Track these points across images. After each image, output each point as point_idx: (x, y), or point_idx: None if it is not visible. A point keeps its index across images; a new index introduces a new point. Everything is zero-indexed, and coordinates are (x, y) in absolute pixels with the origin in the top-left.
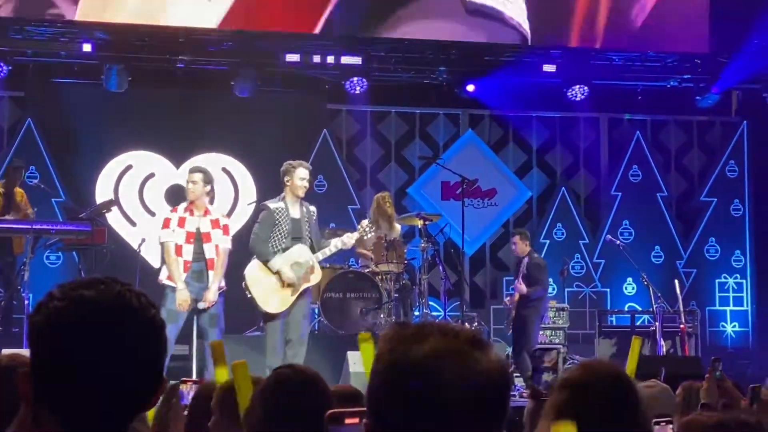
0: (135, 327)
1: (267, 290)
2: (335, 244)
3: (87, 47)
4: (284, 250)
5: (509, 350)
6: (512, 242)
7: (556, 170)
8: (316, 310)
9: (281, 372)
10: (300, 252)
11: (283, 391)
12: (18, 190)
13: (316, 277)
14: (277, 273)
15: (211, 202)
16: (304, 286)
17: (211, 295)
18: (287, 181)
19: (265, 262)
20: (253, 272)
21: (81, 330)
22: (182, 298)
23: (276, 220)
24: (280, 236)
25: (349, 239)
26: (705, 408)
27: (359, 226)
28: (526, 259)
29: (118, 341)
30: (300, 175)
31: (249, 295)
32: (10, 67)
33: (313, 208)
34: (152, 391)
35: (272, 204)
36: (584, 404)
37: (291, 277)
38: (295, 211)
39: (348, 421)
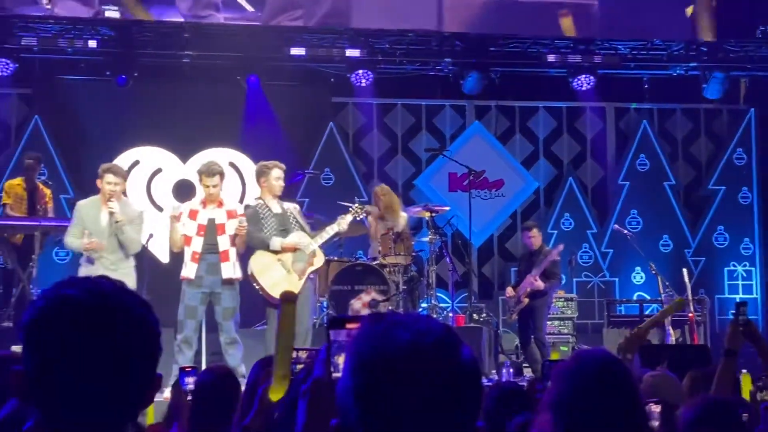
0: (122, 325)
1: (274, 278)
2: (332, 227)
3: (92, 43)
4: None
5: (517, 341)
6: (529, 235)
7: (563, 160)
8: (325, 303)
9: None
10: (299, 237)
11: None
12: (47, 190)
13: (319, 260)
14: (281, 259)
15: None
16: (309, 270)
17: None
18: (263, 182)
19: (266, 248)
20: (258, 262)
21: (61, 329)
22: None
23: (260, 215)
24: (269, 231)
25: (343, 220)
26: (728, 355)
27: (351, 208)
28: (552, 255)
29: (101, 340)
30: (275, 175)
31: (257, 286)
32: (16, 65)
33: (294, 205)
34: (146, 390)
35: (252, 203)
36: (578, 394)
37: (295, 241)
38: (276, 208)
39: (349, 326)
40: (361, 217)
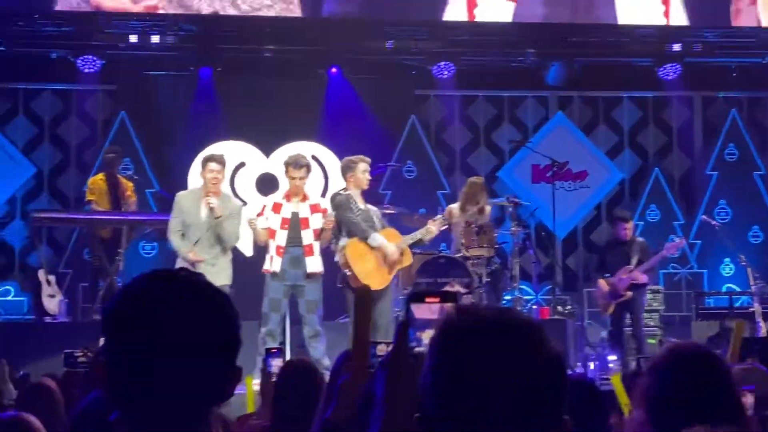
0: (197, 317)
1: (367, 268)
2: (420, 233)
3: (176, 39)
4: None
5: (604, 333)
6: (624, 227)
7: (649, 151)
8: None
9: None
10: (392, 235)
11: None
12: (128, 183)
13: (408, 259)
14: (376, 249)
15: None
16: (398, 267)
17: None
18: (350, 176)
19: (364, 239)
20: (354, 250)
21: (138, 320)
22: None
23: (351, 204)
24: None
25: (430, 233)
26: None
27: (437, 218)
28: (670, 249)
29: (177, 332)
30: (362, 169)
31: (348, 272)
32: (103, 62)
33: (375, 209)
34: (224, 382)
35: (344, 192)
36: (675, 387)
37: (393, 250)
38: (361, 204)
39: (429, 299)
40: (446, 226)
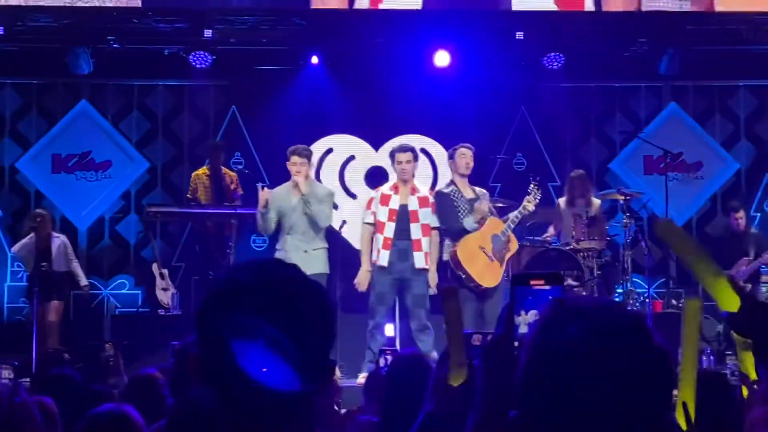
0: (289, 309)
1: (479, 267)
2: (519, 212)
3: (285, 33)
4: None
5: (720, 327)
6: (737, 217)
7: (766, 141)
8: None
9: None
10: (495, 224)
11: None
12: (230, 173)
13: (514, 245)
14: (483, 247)
15: None
16: (508, 255)
17: (432, 280)
18: (450, 163)
19: (462, 230)
20: (465, 251)
21: (229, 313)
22: (362, 277)
23: (454, 202)
24: (463, 215)
25: (528, 204)
26: None
27: (530, 189)
28: None
29: (268, 323)
30: (460, 153)
31: (462, 275)
32: (213, 57)
33: (483, 191)
34: (317, 375)
35: (445, 189)
36: None
37: (483, 209)
38: (468, 192)
39: (533, 282)
40: (538, 196)
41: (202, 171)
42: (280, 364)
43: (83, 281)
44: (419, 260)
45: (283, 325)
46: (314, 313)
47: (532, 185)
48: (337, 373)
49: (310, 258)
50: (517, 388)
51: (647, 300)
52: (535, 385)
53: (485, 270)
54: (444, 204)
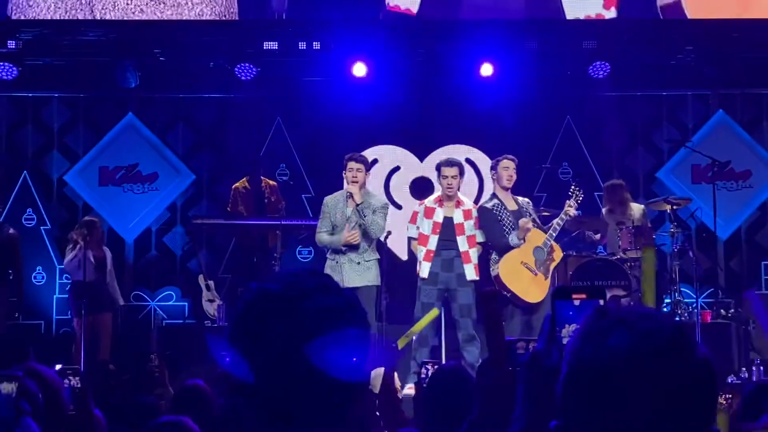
0: (315, 318)
1: (524, 283)
2: (561, 218)
3: (319, 44)
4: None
5: None
6: None
7: None
8: None
9: None
10: (535, 236)
11: None
12: (270, 182)
13: (558, 254)
14: (525, 262)
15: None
16: (552, 266)
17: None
18: (493, 174)
19: (505, 247)
20: (506, 269)
21: (259, 322)
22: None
23: (497, 216)
24: (507, 229)
25: (569, 208)
26: None
27: (571, 192)
28: None
29: (298, 332)
30: (503, 165)
31: (507, 294)
32: (258, 69)
33: (526, 199)
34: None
35: (488, 204)
36: None
37: (527, 227)
38: (512, 204)
39: (575, 296)
40: (579, 198)
41: (241, 183)
42: (345, 354)
43: (120, 301)
44: (470, 272)
45: (313, 335)
46: (344, 323)
47: (572, 188)
48: (397, 382)
49: (362, 269)
50: (558, 398)
51: (695, 310)
52: (575, 395)
53: (529, 285)
54: (488, 219)
